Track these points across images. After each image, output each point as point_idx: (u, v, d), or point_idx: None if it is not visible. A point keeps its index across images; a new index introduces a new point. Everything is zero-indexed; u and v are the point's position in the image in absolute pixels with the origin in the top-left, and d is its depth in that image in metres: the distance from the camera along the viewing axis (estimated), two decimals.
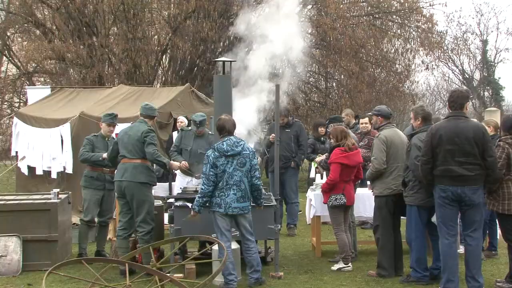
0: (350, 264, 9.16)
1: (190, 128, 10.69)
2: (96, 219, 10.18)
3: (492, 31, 41.45)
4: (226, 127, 8.25)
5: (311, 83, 24.63)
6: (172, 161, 9.35)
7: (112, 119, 10.05)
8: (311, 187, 10.61)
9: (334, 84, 24.34)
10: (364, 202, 10.09)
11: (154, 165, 9.28)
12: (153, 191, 9.29)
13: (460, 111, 7.76)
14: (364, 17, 22.45)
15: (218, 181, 8.06)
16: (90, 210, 9.94)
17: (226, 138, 8.19)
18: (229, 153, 8.07)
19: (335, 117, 11.69)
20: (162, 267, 7.28)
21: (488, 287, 7.92)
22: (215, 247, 8.22)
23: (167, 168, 9.32)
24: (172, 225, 8.66)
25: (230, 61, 9.77)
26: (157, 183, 9.89)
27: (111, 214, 10.17)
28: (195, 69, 21.69)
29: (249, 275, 8.22)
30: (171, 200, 9.21)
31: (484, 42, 40.02)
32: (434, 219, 8.14)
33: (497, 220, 8.68)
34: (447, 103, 8.17)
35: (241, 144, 8.22)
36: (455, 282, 7.64)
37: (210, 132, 10.47)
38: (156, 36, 22.19)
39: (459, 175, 7.54)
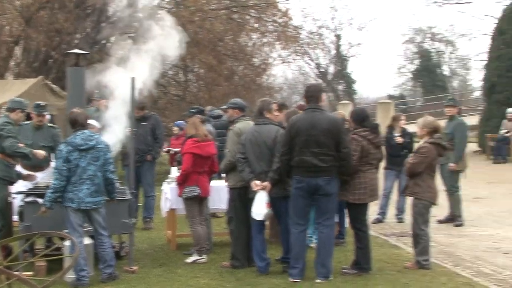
0: (204, 256, 9.25)
1: (27, 122, 10.33)
2: None
3: (345, 27, 43.02)
4: (79, 120, 8.11)
5: (169, 76, 24.57)
6: (35, 151, 9.08)
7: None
8: (166, 180, 10.62)
9: (192, 77, 24.39)
10: (219, 194, 10.19)
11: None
12: (14, 187, 9.04)
13: (316, 104, 8.09)
14: (222, 11, 22.63)
15: (71, 175, 7.91)
16: None
17: (79, 132, 8.05)
18: (82, 147, 7.93)
19: (198, 108, 11.64)
20: (10, 265, 7.06)
21: (335, 274, 8.22)
22: (67, 243, 8.08)
23: (30, 158, 9.07)
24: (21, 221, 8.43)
25: (84, 53, 9.60)
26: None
27: None
28: (50, 61, 21.08)
29: (102, 270, 8.12)
30: (21, 196, 8.96)
31: (338, 37, 41.42)
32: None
33: (346, 209, 9.06)
34: (303, 97, 8.49)
35: (95, 137, 8.11)
36: (299, 269, 8.01)
37: (49, 124, 10.25)
38: (7, 27, 21.34)
39: (313, 165, 7.85)
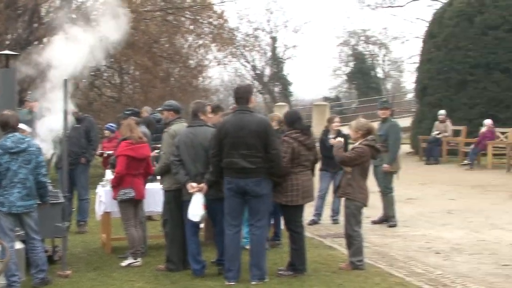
0: (139, 259, 9.18)
1: None
2: None
3: (280, 29, 43.32)
4: (10, 122, 7.95)
5: (104, 77, 24.30)
6: None
7: None
8: (100, 183, 10.50)
9: (127, 79, 24.19)
10: (155, 196, 10.12)
11: None
12: None
13: (245, 105, 8.13)
14: (157, 12, 22.50)
15: (1, 179, 7.75)
16: None
17: (10, 135, 7.89)
18: (13, 150, 7.78)
19: (132, 110, 11.58)
20: None
21: (270, 275, 8.26)
22: None
23: None
24: None
25: (15, 54, 9.40)
26: None
27: None
28: None
29: (34, 275, 7.98)
30: None
31: (274, 39, 41.67)
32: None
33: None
34: (233, 98, 8.53)
35: (27, 140, 7.97)
36: (235, 271, 8.02)
37: None
38: None
39: (241, 167, 7.89)
